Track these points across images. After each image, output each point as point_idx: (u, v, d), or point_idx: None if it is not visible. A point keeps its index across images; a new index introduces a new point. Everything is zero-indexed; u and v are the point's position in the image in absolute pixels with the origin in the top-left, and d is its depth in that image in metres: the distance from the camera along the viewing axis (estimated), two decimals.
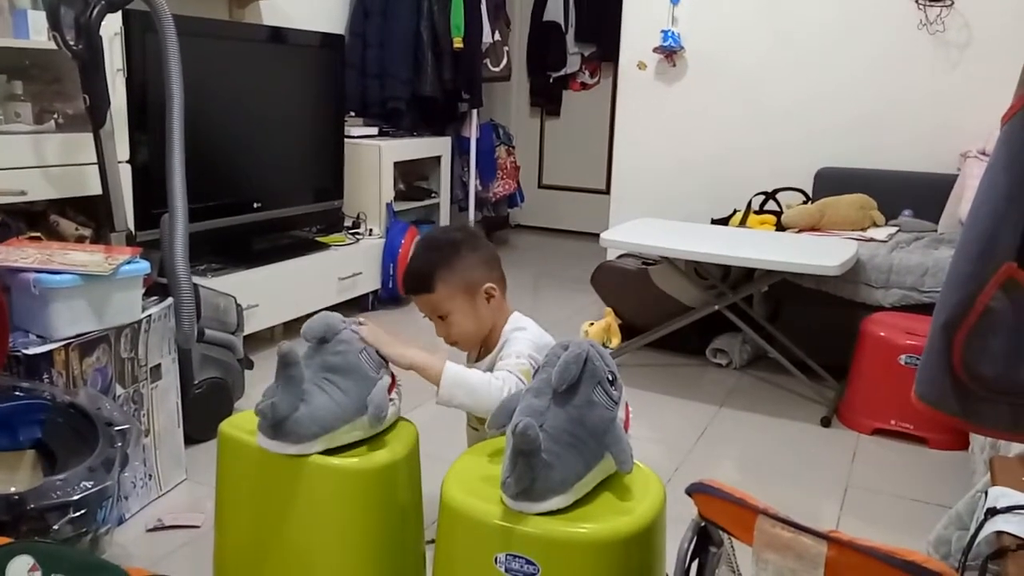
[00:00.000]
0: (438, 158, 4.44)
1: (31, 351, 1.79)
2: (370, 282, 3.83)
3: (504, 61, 4.91)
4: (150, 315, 2.06)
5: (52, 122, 2.46)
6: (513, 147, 5.41)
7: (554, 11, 5.61)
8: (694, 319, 3.10)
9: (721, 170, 3.88)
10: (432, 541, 1.35)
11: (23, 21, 2.32)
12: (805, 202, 3.54)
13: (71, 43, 2.13)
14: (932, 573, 0.86)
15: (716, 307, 3.01)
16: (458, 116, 4.77)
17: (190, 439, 2.27)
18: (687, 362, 3.33)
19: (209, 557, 1.57)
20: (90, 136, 2.27)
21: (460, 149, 4.81)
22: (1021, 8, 3.17)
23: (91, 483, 1.52)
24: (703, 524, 1.11)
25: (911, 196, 3.41)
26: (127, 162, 2.56)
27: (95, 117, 2.23)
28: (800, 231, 3.29)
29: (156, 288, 2.22)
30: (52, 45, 2.18)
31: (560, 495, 1.21)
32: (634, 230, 3.21)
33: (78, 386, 1.83)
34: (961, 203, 3.09)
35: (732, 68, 3.85)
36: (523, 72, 5.84)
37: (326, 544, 1.41)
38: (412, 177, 4.47)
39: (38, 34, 2.33)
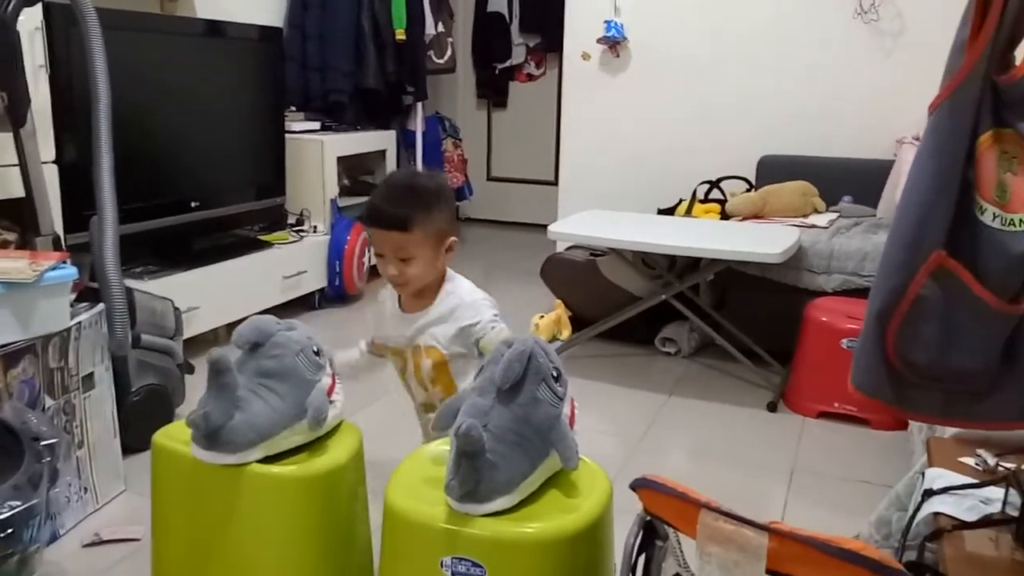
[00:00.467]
0: (383, 152, 4.39)
1: None
2: (316, 280, 3.77)
3: (448, 53, 4.87)
4: (80, 322, 1.98)
5: None
6: (460, 140, 5.37)
7: (498, 2, 5.58)
8: (642, 309, 3.11)
9: (666, 160, 3.91)
10: None
11: None
12: (748, 190, 3.58)
13: None
14: (869, 560, 0.86)
15: (663, 296, 3.03)
16: (403, 109, 4.71)
17: (129, 449, 2.21)
18: (636, 352, 3.34)
19: (150, 572, 1.52)
20: (10, 136, 2.17)
21: (406, 143, 4.76)
22: None
23: (17, 502, 1.46)
24: (648, 519, 1.10)
25: (850, 182, 3.47)
26: (53, 162, 2.47)
27: (14, 116, 2.14)
28: (744, 219, 3.32)
29: (88, 293, 2.14)
30: None
31: (506, 495, 1.20)
32: (582, 222, 3.21)
33: (2, 400, 1.75)
34: (898, 188, 3.15)
35: (674, 58, 3.87)
36: (468, 64, 5.79)
37: (268, 555, 1.37)
38: (357, 172, 4.41)
39: None
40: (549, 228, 3.06)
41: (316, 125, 4.05)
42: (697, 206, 3.52)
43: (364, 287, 4.04)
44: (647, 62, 3.94)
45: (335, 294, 3.88)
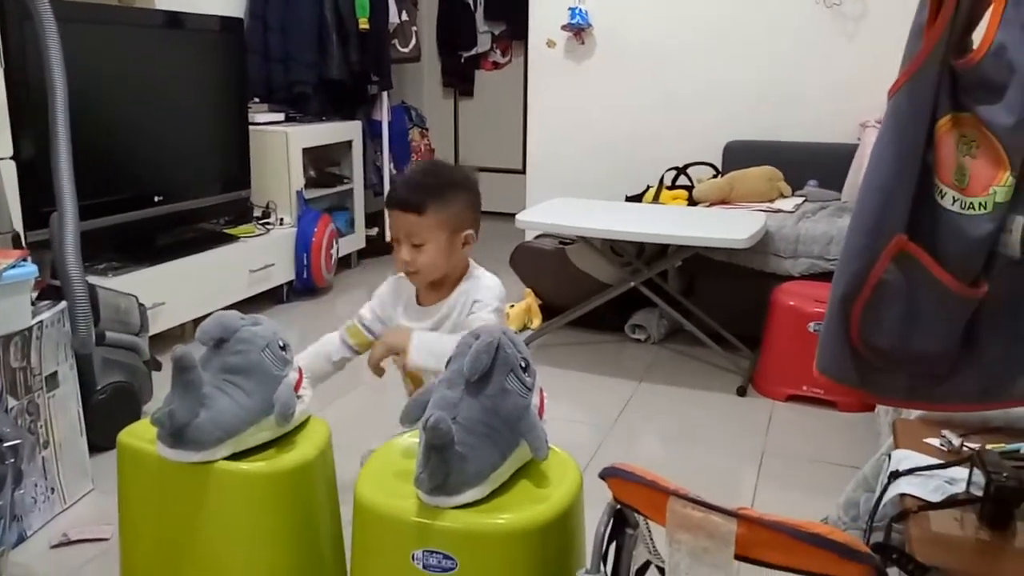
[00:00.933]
0: (349, 143, 4.35)
1: None
2: (283, 273, 3.74)
3: (413, 41, 4.82)
4: (42, 321, 1.95)
5: None
6: (427, 129, 5.34)
7: None
8: (612, 296, 3.12)
9: (633, 147, 3.91)
10: None
11: None
12: (715, 176, 3.60)
13: None
14: (836, 543, 0.87)
15: (632, 283, 3.04)
16: (368, 99, 4.67)
17: (96, 447, 2.18)
18: (606, 339, 3.35)
19: (119, 572, 1.50)
20: None
21: (372, 133, 4.72)
22: None
23: None
24: (618, 507, 1.10)
25: (816, 166, 3.50)
26: (10, 159, 2.41)
27: None
28: (711, 205, 3.34)
29: (50, 291, 2.10)
30: None
31: (476, 487, 1.19)
32: (550, 210, 3.21)
33: None
34: (862, 172, 3.18)
35: (640, 45, 3.87)
36: (434, 52, 5.75)
37: (238, 552, 1.36)
38: (323, 163, 4.36)
39: None
40: (517, 217, 3.06)
41: (280, 116, 4.00)
42: (664, 193, 3.54)
43: (332, 279, 4.01)
44: (612, 49, 3.93)
45: (303, 287, 3.84)
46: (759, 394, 2.83)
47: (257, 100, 4.03)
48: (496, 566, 1.17)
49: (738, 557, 0.92)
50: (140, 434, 1.40)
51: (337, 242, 4.00)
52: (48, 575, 1.80)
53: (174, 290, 3.05)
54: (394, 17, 4.52)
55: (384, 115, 4.66)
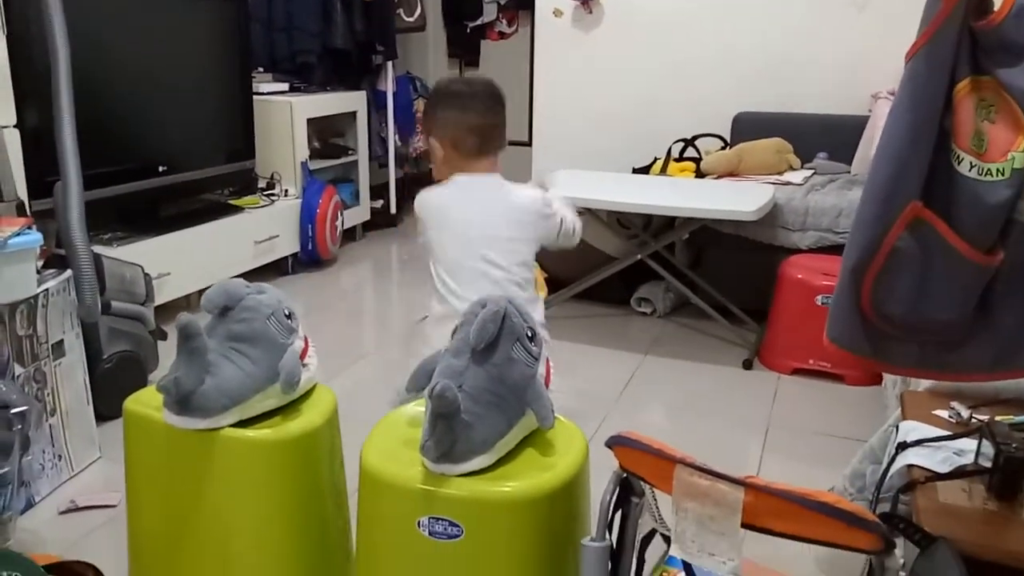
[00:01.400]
0: (353, 113, 4.32)
1: None
2: (288, 245, 3.73)
3: (418, 11, 4.77)
4: (47, 289, 1.94)
5: None
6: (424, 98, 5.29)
7: None
8: (618, 269, 3.10)
9: (641, 118, 3.88)
10: None
11: None
12: (723, 148, 3.57)
13: None
14: (844, 512, 0.87)
15: (639, 256, 3.02)
16: (373, 69, 4.63)
17: (103, 416, 2.18)
18: (613, 312, 3.34)
19: (126, 538, 1.51)
20: None
21: (376, 103, 4.69)
22: None
23: None
24: (624, 475, 1.10)
25: (825, 139, 3.47)
26: (14, 127, 2.40)
27: None
28: (719, 177, 3.31)
29: (55, 260, 2.10)
30: None
31: (482, 455, 1.19)
32: (556, 182, 3.18)
33: None
34: (872, 144, 3.13)
35: (648, 14, 3.82)
36: (439, 22, 5.69)
37: (244, 519, 1.36)
38: (327, 134, 4.34)
39: None
40: None
41: (284, 86, 3.97)
42: (672, 165, 3.51)
43: (337, 252, 4.00)
44: (620, 18, 3.88)
45: (308, 259, 3.83)
46: (765, 367, 2.82)
47: (261, 70, 4.00)
48: (502, 534, 1.17)
49: (744, 525, 0.92)
50: (146, 401, 1.40)
51: (342, 214, 3.98)
52: (56, 541, 1.81)
53: (179, 261, 3.04)
54: None
55: (389, 85, 4.63)
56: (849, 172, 3.33)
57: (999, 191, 0.99)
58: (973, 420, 1.34)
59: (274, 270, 3.70)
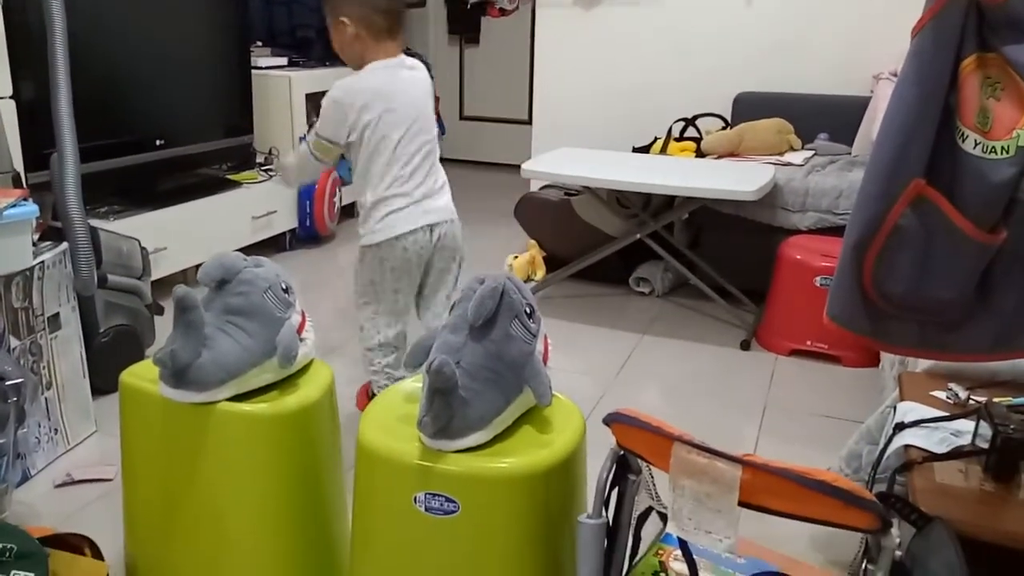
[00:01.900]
0: None
1: None
2: (286, 220, 3.71)
3: None
4: (43, 261, 1.93)
5: None
6: (432, 77, 5.25)
7: None
8: (617, 248, 3.10)
9: (641, 97, 3.85)
10: None
11: None
12: (724, 128, 3.55)
13: None
14: (841, 490, 0.87)
15: (638, 236, 3.01)
16: None
17: (99, 390, 2.18)
18: (611, 292, 3.34)
19: (122, 511, 1.51)
20: None
21: None
22: None
23: None
24: (621, 453, 1.10)
25: (826, 119, 3.45)
26: (10, 98, 2.38)
27: None
28: (719, 157, 3.29)
29: (51, 233, 2.09)
30: None
31: (479, 431, 1.19)
32: (556, 160, 3.17)
33: None
34: (874, 125, 3.12)
35: None
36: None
37: (240, 493, 1.36)
38: None
39: None
40: (523, 167, 3.02)
41: (283, 61, 3.94)
42: (672, 144, 3.49)
43: (335, 228, 3.99)
44: None
45: (306, 235, 3.82)
46: (763, 348, 2.82)
47: (260, 44, 3.96)
48: (498, 510, 1.17)
49: (742, 503, 0.92)
50: (142, 374, 1.39)
51: (340, 190, 3.96)
52: (52, 513, 1.81)
53: (176, 235, 3.03)
54: None
55: None
56: (850, 153, 3.31)
57: (1003, 169, 0.98)
58: (971, 401, 1.34)
59: (272, 246, 3.68)
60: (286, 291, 1.41)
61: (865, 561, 0.91)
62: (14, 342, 1.87)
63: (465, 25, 5.70)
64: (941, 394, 1.37)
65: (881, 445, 1.29)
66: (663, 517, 1.11)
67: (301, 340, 1.41)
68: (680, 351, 2.81)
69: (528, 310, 1.27)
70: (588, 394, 2.40)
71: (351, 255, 3.87)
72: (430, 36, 5.73)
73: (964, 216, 1.01)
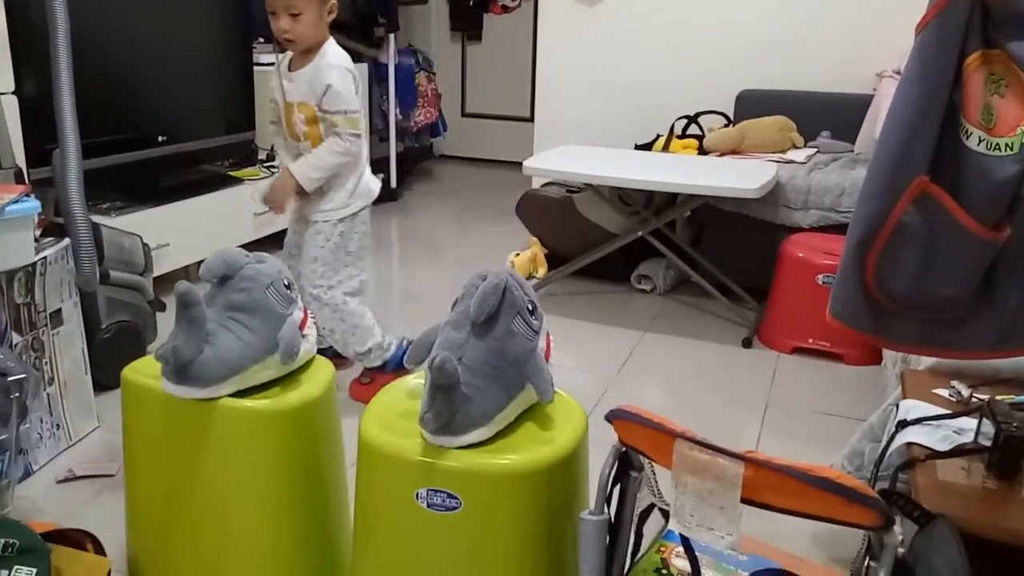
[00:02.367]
0: None
1: None
2: (288, 218, 3.70)
3: None
4: (45, 257, 1.93)
5: None
6: (434, 74, 5.26)
7: None
8: (618, 246, 3.10)
9: (644, 94, 3.85)
10: None
11: None
12: (727, 125, 3.54)
13: None
14: (845, 487, 0.87)
15: (640, 233, 3.01)
16: (374, 42, 4.59)
17: (101, 386, 2.18)
18: (613, 289, 3.34)
19: (124, 507, 1.51)
20: None
21: (378, 76, 4.65)
22: None
23: None
24: (623, 450, 1.10)
25: (829, 117, 3.45)
26: (12, 94, 2.38)
27: None
28: (722, 154, 3.29)
29: (53, 229, 2.09)
30: None
31: (481, 428, 1.19)
32: (558, 157, 3.17)
33: None
34: (877, 123, 3.12)
35: None
36: None
37: (242, 489, 1.36)
38: None
39: None
40: (524, 164, 3.02)
41: None
42: (675, 141, 3.49)
43: None
44: None
45: None
46: (765, 346, 2.82)
47: (261, 40, 3.95)
48: (500, 506, 1.17)
49: (743, 500, 0.92)
50: (144, 370, 1.39)
51: None
52: (54, 509, 1.82)
53: (178, 232, 3.03)
54: None
55: (390, 58, 4.59)
56: (852, 151, 3.31)
57: (1007, 166, 0.98)
58: (973, 399, 1.34)
59: (273, 243, 3.66)
60: (288, 287, 1.41)
61: (868, 558, 0.91)
62: (16, 338, 1.87)
63: (467, 22, 5.69)
64: (944, 392, 1.37)
65: (884, 443, 1.29)
66: (665, 514, 1.11)
67: (303, 336, 1.41)
68: (682, 348, 2.81)
69: (530, 307, 1.26)
70: (590, 391, 2.40)
71: None
72: (432, 33, 5.73)
73: (968, 213, 1.01)
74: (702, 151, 3.37)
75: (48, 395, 1.98)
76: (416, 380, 1.34)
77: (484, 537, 1.17)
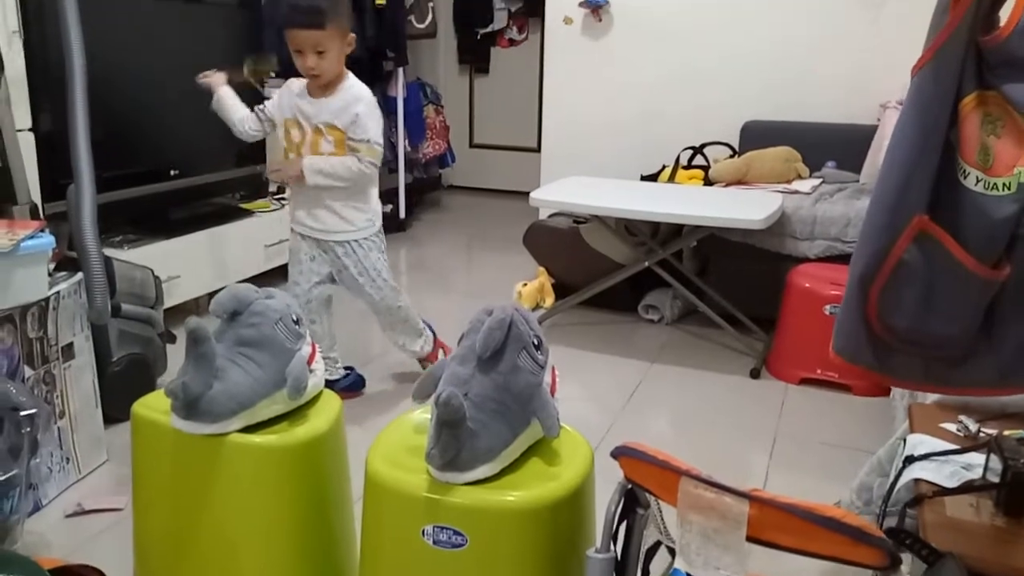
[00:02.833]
0: None
1: None
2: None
3: (429, 18, 4.79)
4: (59, 292, 1.96)
5: None
6: (442, 106, 5.31)
7: None
8: (625, 276, 3.10)
9: (649, 126, 3.88)
10: None
11: None
12: (732, 156, 3.56)
13: None
14: (850, 527, 0.87)
15: (646, 263, 3.02)
16: (383, 75, 4.65)
17: (111, 419, 2.19)
18: (620, 319, 3.34)
19: (132, 541, 1.52)
20: None
21: (387, 109, 4.69)
22: None
23: None
24: (629, 486, 1.10)
25: (834, 148, 3.47)
26: (29, 130, 2.43)
27: None
28: (727, 185, 3.31)
29: (66, 263, 2.11)
30: None
31: (487, 464, 1.19)
32: (564, 188, 3.19)
33: None
34: (881, 153, 3.11)
35: (657, 22, 3.83)
36: (450, 29, 5.71)
37: (250, 524, 1.37)
38: None
39: None
40: (531, 195, 3.04)
41: None
42: (680, 172, 3.51)
43: None
44: (630, 26, 3.89)
45: None
46: (773, 377, 2.81)
47: (273, 75, 4.01)
48: (506, 543, 1.17)
49: (750, 539, 0.92)
50: (154, 405, 1.40)
51: None
52: (62, 544, 1.82)
53: (189, 264, 3.06)
54: None
55: (399, 91, 4.64)
56: (858, 181, 3.32)
57: (1005, 205, 0.99)
58: (981, 434, 1.33)
59: (284, 274, 3.69)
60: (297, 322, 1.43)
61: None
62: (28, 372, 1.89)
63: (475, 55, 5.76)
64: (951, 426, 1.37)
65: (891, 478, 1.29)
66: (672, 552, 1.11)
67: (311, 371, 1.42)
68: (690, 379, 2.81)
69: (536, 341, 1.27)
70: (597, 423, 2.40)
71: None
72: (440, 66, 5.79)
73: (967, 252, 1.02)
74: (708, 182, 3.39)
75: (58, 428, 2.00)
76: (423, 415, 1.35)
77: (490, 574, 1.16)
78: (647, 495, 1.08)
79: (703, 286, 3.13)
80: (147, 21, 3.02)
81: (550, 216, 3.60)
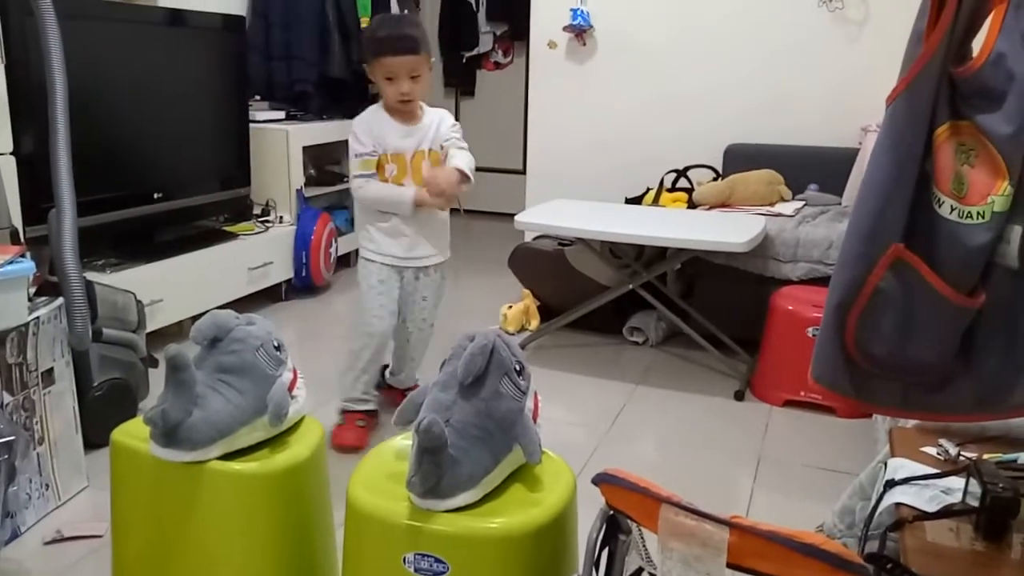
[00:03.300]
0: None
1: None
2: (282, 271, 3.73)
3: None
4: (38, 317, 1.94)
5: None
6: None
7: None
8: (610, 298, 3.11)
9: (633, 149, 3.91)
10: None
11: None
12: (715, 179, 3.59)
13: None
14: (829, 554, 0.87)
15: (631, 286, 3.03)
16: (369, 98, 4.66)
17: (92, 444, 2.17)
18: (604, 341, 3.35)
19: (111, 569, 1.50)
20: None
21: None
22: None
23: None
24: (611, 513, 1.10)
25: (816, 170, 3.50)
26: (10, 154, 2.41)
27: None
28: (711, 208, 3.33)
29: (47, 287, 2.10)
30: None
31: (468, 491, 1.19)
32: (549, 211, 3.20)
33: None
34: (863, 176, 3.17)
35: (641, 47, 3.86)
36: (436, 52, 5.75)
37: (230, 553, 1.36)
38: (323, 161, 4.36)
39: None
40: (516, 218, 3.05)
41: (281, 115, 3.99)
42: (664, 195, 3.53)
43: (331, 278, 4.00)
44: (614, 50, 3.93)
45: (302, 285, 3.83)
46: (757, 399, 2.82)
47: (258, 98, 4.02)
48: (488, 570, 1.16)
49: (730, 566, 0.92)
50: (134, 432, 1.39)
51: (336, 241, 3.99)
52: (41, 572, 1.80)
53: (172, 287, 3.04)
54: None
55: None
56: (840, 204, 3.35)
57: (980, 234, 1.00)
58: (961, 458, 1.34)
59: (268, 297, 3.69)
60: (278, 348, 1.42)
61: None
62: (7, 398, 1.87)
63: (461, 78, 5.80)
64: (932, 450, 1.37)
65: (872, 502, 1.29)
66: None
67: (292, 397, 1.42)
68: (674, 402, 2.81)
69: (518, 367, 1.27)
70: (582, 445, 2.40)
71: (347, 306, 3.89)
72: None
73: (943, 280, 1.03)
74: (691, 204, 3.41)
75: (38, 455, 1.97)
76: (404, 442, 1.34)
77: None
78: (629, 521, 1.08)
79: (687, 308, 3.14)
80: (130, 44, 3.02)
81: (535, 238, 3.61)
